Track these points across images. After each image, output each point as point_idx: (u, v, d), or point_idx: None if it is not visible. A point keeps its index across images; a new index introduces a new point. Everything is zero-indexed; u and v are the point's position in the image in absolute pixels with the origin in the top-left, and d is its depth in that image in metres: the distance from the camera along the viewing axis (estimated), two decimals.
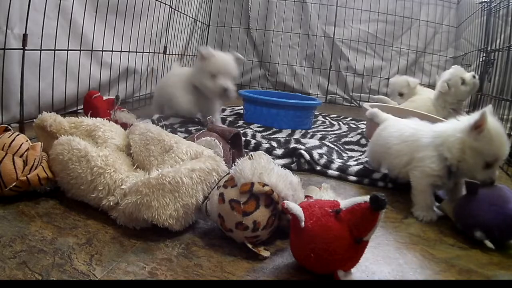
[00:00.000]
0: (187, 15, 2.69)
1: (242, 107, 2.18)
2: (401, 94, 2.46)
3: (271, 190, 0.74)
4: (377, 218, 0.65)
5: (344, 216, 0.67)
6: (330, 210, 0.69)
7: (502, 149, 0.95)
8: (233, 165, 0.82)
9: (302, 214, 0.69)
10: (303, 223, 0.68)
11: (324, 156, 1.39)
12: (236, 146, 1.14)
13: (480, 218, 0.89)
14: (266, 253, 0.74)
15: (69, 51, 1.47)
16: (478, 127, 0.95)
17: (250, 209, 0.73)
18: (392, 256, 0.82)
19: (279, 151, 1.42)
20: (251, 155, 0.83)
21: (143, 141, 0.95)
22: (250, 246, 0.73)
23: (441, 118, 1.65)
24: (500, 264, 0.83)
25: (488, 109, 0.96)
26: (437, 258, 0.82)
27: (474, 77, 2.13)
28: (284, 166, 1.17)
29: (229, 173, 0.82)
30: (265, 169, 0.78)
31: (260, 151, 0.86)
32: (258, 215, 0.73)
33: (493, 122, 0.97)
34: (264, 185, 0.74)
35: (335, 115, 2.59)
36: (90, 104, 1.37)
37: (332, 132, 1.99)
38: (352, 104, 3.36)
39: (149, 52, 2.21)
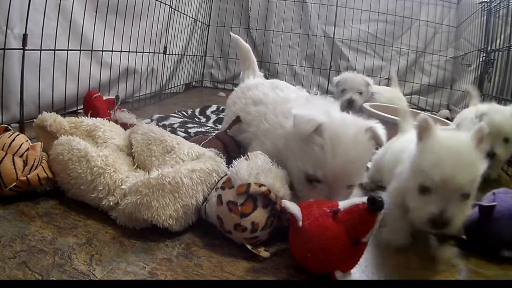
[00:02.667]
0: (187, 15, 2.69)
1: None
2: (360, 93, 2.21)
3: (268, 190, 0.74)
4: (374, 220, 0.65)
5: (341, 217, 0.67)
6: (328, 211, 0.69)
7: (438, 170, 0.71)
8: (230, 166, 0.81)
9: (300, 213, 0.69)
10: (300, 223, 0.68)
11: None
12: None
13: (505, 237, 0.84)
14: (266, 254, 0.74)
15: (69, 51, 1.47)
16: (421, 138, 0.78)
17: (247, 211, 0.73)
18: (392, 256, 0.82)
19: None
20: (248, 155, 0.83)
21: (145, 141, 0.95)
22: (249, 247, 0.73)
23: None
24: (500, 264, 0.82)
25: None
26: (437, 258, 0.82)
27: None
28: None
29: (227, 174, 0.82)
30: (262, 169, 0.77)
31: (258, 151, 0.85)
32: (256, 216, 0.73)
33: (442, 135, 0.76)
34: (261, 185, 0.74)
35: None
36: (90, 104, 1.37)
37: None
38: None
39: (149, 52, 2.21)
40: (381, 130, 0.81)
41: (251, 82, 1.22)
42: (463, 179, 0.71)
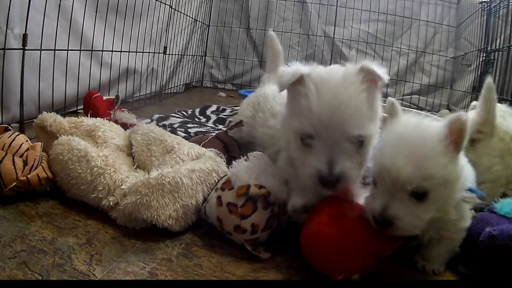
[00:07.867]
0: (187, 15, 2.69)
1: None
2: None
3: (268, 192, 0.74)
4: (394, 242, 0.67)
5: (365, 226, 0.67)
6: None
7: (379, 159, 0.66)
8: (230, 166, 0.81)
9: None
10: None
11: None
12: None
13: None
14: (266, 255, 0.74)
15: (69, 51, 1.47)
16: None
17: (247, 212, 0.73)
18: (392, 256, 0.82)
19: None
20: (247, 156, 0.82)
21: (145, 141, 0.95)
22: (249, 248, 0.73)
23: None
24: None
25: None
26: None
27: None
28: None
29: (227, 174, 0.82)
30: (262, 170, 0.77)
31: (258, 152, 0.85)
32: (256, 218, 0.73)
33: (404, 122, 0.69)
34: (261, 187, 0.74)
35: None
36: (90, 104, 1.37)
37: None
38: None
39: (149, 52, 2.21)
40: (375, 65, 0.72)
41: (268, 91, 1.12)
42: (407, 172, 0.60)
